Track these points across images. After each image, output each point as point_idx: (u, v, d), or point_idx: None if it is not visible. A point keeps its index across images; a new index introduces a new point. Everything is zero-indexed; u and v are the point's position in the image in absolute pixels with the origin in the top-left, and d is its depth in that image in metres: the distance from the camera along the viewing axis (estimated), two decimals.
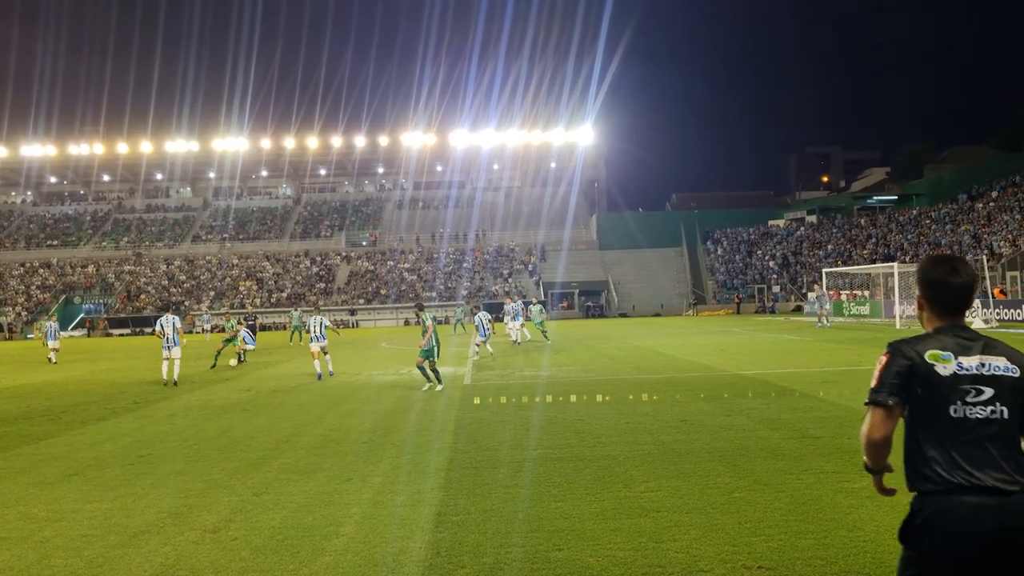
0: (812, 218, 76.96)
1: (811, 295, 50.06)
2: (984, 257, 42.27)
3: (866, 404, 3.08)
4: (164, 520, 7.00)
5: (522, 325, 30.86)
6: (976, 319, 34.38)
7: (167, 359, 18.95)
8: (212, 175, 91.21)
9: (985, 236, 52.38)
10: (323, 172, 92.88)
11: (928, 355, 3.03)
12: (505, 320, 31.80)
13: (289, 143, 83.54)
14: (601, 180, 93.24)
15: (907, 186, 76.09)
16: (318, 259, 76.58)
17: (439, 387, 16.21)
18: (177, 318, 19.70)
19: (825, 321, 38.18)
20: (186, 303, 69.03)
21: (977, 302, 36.73)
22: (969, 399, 2.97)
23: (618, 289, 69.38)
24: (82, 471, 9.26)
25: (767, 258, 71.04)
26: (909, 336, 3.16)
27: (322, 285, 71.91)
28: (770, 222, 78.14)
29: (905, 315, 37.01)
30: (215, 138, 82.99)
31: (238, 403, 15.29)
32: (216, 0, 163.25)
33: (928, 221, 61.59)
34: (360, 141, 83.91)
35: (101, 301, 70.42)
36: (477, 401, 14.31)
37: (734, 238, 75.93)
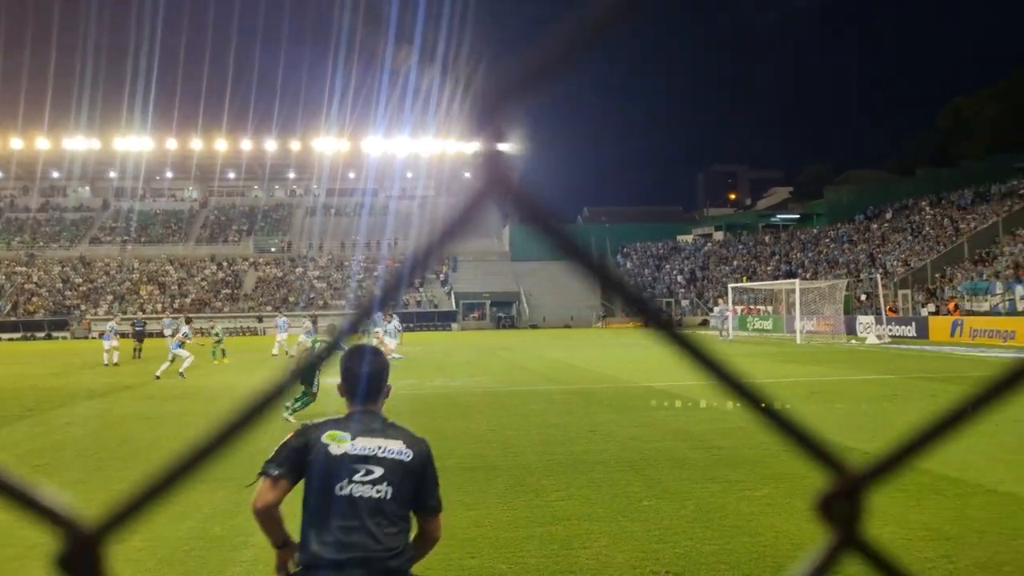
0: (719, 234, 79.17)
1: (715, 309, 51.48)
2: (878, 276, 44.23)
3: (257, 475, 3.15)
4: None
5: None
6: (870, 335, 35.93)
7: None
8: (113, 175, 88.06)
9: (879, 255, 54.81)
10: (232, 175, 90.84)
11: (326, 435, 3.14)
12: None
13: (196, 144, 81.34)
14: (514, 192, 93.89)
15: (809, 206, 78.98)
16: (224, 264, 74.83)
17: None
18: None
19: (727, 334, 39.28)
20: (81, 307, 66.44)
21: (871, 319, 38.41)
22: (357, 478, 3.07)
23: (529, 300, 69.90)
24: None
25: (675, 273, 72.70)
26: (322, 420, 3.27)
27: (228, 291, 70.27)
28: (678, 237, 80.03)
29: (805, 330, 38.39)
30: (117, 136, 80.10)
31: (140, 412, 14.83)
32: None
33: (827, 240, 64.03)
34: (271, 145, 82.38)
35: None
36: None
37: (643, 252, 77.46)
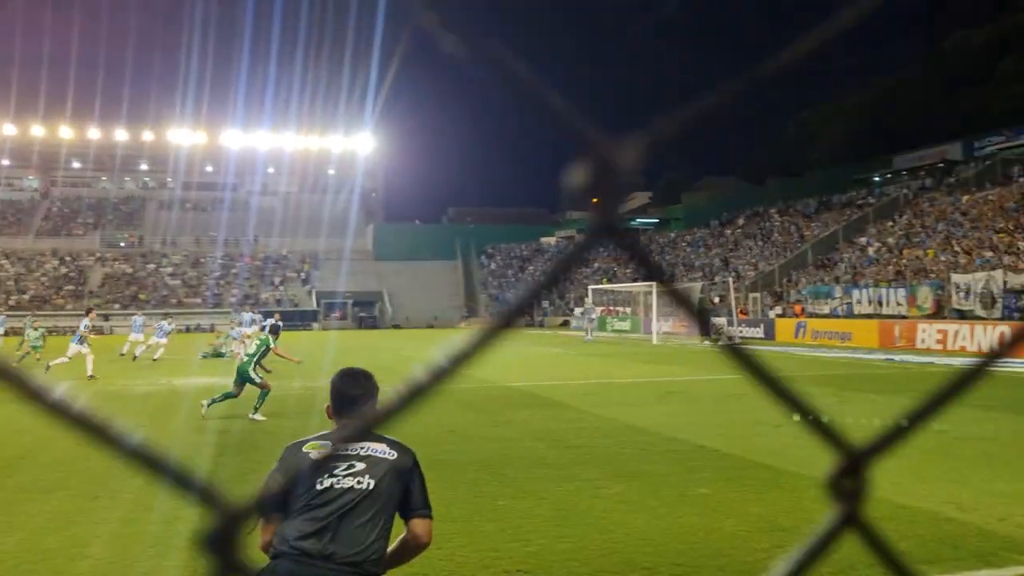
0: (581, 237, 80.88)
1: (578, 311, 52.54)
2: (731, 279, 46.24)
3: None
4: None
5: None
6: (721, 337, 37.48)
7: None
8: None
9: (732, 259, 57.34)
10: (78, 165, 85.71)
11: (307, 446, 3.22)
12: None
13: (38, 131, 76.32)
14: (379, 190, 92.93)
15: (667, 211, 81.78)
16: (68, 259, 70.58)
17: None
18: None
19: (589, 335, 40.20)
20: None
21: (723, 320, 40.14)
22: (338, 471, 3.08)
23: (392, 300, 69.35)
24: None
25: (538, 274, 73.74)
26: (305, 437, 3.32)
27: (71, 288, 66.39)
28: (542, 239, 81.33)
29: (661, 331, 39.72)
30: None
31: None
32: None
33: (684, 244, 66.50)
34: (122, 135, 78.35)
35: None
36: (248, 413, 13.78)
37: (507, 254, 78.28)
